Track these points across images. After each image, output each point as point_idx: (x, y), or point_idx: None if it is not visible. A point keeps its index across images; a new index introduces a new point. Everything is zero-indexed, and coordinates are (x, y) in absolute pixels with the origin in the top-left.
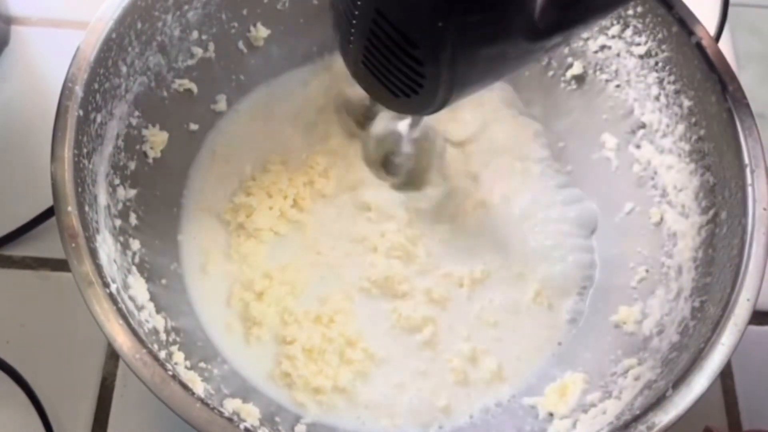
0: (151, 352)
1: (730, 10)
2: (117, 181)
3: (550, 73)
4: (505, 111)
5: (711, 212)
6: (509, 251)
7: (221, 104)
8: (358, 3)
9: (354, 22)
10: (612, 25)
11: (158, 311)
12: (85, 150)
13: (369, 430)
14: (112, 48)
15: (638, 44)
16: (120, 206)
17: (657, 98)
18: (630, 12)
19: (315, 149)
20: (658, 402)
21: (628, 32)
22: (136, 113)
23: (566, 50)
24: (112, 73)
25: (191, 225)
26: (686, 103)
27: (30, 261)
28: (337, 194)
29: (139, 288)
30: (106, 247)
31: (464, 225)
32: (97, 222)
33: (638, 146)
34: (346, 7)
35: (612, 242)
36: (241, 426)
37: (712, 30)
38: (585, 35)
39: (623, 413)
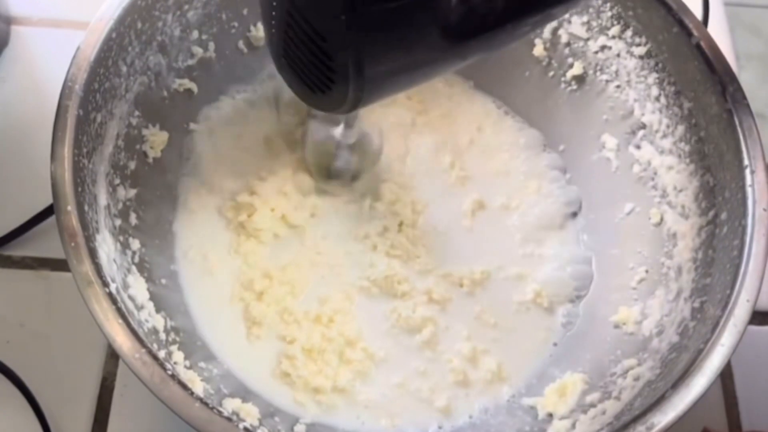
0: (150, 352)
1: (730, 9)
2: (117, 181)
3: (551, 73)
4: (503, 113)
5: (711, 213)
6: (509, 252)
7: (222, 104)
8: (272, 13)
9: (273, 13)
10: (612, 25)
11: (158, 311)
12: (85, 150)
13: (368, 430)
14: (112, 48)
15: (638, 45)
16: (120, 206)
17: (657, 99)
18: (630, 13)
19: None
20: (657, 402)
21: (629, 33)
22: (136, 113)
23: (566, 50)
24: (112, 73)
25: (191, 225)
26: (686, 103)
27: (30, 261)
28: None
29: (138, 287)
30: (106, 246)
31: (464, 226)
32: (96, 222)
33: (638, 147)
34: (267, 1)
35: (612, 243)
36: (241, 426)
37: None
38: (585, 35)
39: (623, 414)
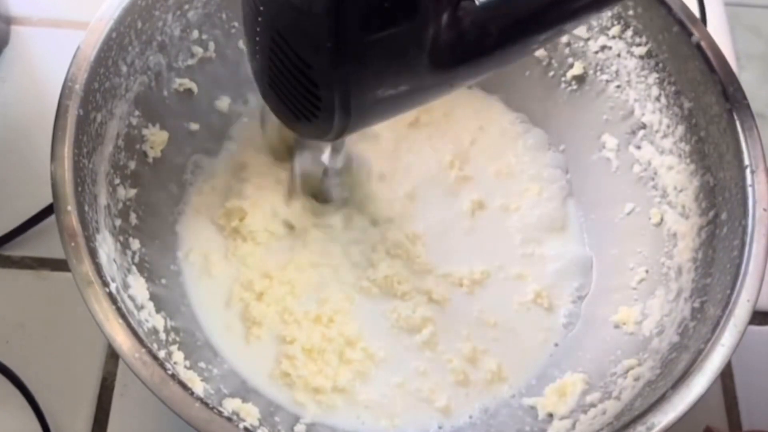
0: (150, 352)
1: (731, 9)
2: (117, 181)
3: (551, 73)
4: (504, 113)
5: (711, 213)
6: (509, 252)
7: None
8: (259, 20)
9: (257, 39)
10: (612, 25)
11: (158, 311)
12: (85, 149)
13: (368, 430)
14: (113, 47)
15: (639, 45)
16: (120, 206)
17: (657, 99)
18: (630, 12)
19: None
20: (657, 403)
21: (629, 33)
22: (137, 113)
23: (567, 50)
24: (112, 73)
25: (191, 225)
26: (686, 103)
27: (29, 261)
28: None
29: (138, 287)
30: (106, 246)
31: (464, 226)
32: (96, 221)
33: (638, 147)
34: (250, 25)
35: (612, 243)
36: (241, 426)
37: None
38: (585, 35)
39: (623, 414)
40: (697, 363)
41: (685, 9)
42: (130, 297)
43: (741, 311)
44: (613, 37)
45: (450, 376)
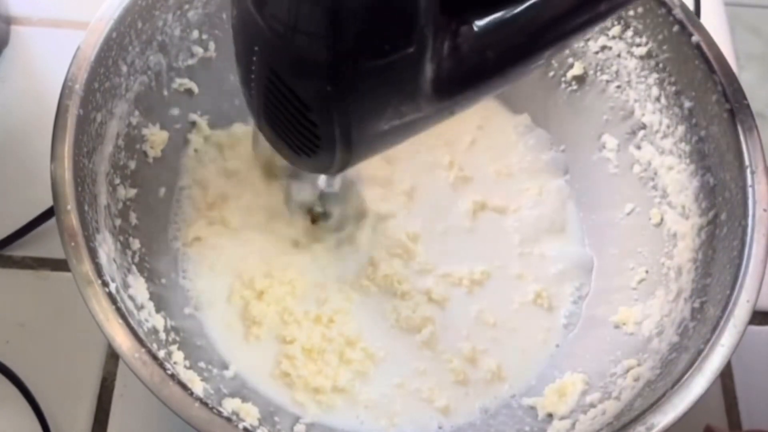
0: (150, 352)
1: (730, 9)
2: (117, 181)
3: (551, 73)
4: (504, 113)
5: (711, 213)
6: (509, 252)
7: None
8: (254, 59)
9: (252, 77)
10: (613, 25)
11: (158, 311)
12: (85, 149)
13: (368, 430)
14: (113, 47)
15: (639, 45)
16: (120, 206)
17: (657, 99)
18: (631, 13)
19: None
20: (657, 403)
21: (629, 33)
22: (137, 112)
23: (567, 51)
24: (112, 73)
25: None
26: (687, 103)
27: (30, 261)
28: None
29: (138, 287)
30: (106, 246)
31: (465, 226)
32: (96, 221)
33: (638, 147)
34: (244, 61)
35: (612, 243)
36: (240, 426)
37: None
38: (586, 36)
39: (623, 414)
40: (696, 363)
41: (685, 9)
42: (130, 297)
43: (741, 311)
44: (613, 38)
45: (450, 376)
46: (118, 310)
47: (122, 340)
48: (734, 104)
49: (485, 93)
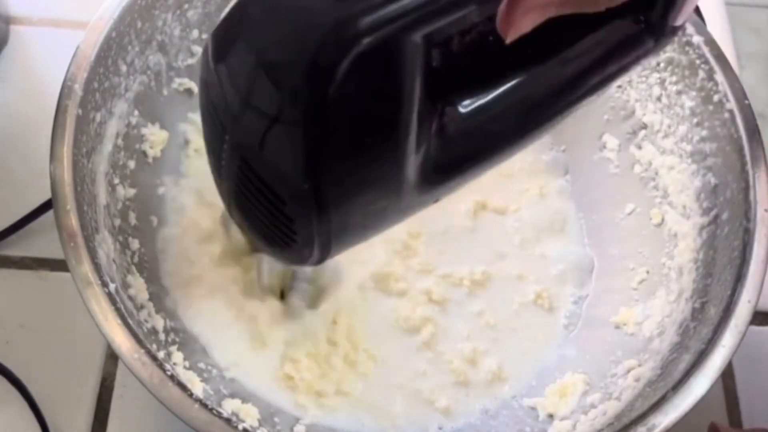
0: (149, 353)
1: (731, 9)
2: (116, 181)
3: None
4: None
5: (712, 213)
6: (510, 253)
7: None
8: (224, 146)
9: (222, 162)
10: None
11: (158, 311)
12: (84, 149)
13: (368, 430)
14: (112, 47)
15: None
16: (119, 205)
17: (658, 99)
18: None
19: None
20: (658, 403)
21: None
22: (136, 112)
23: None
24: (111, 72)
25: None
26: (688, 103)
27: (29, 261)
28: None
29: (138, 288)
30: (106, 246)
31: (466, 226)
32: (96, 221)
33: (639, 147)
34: (213, 143)
35: (613, 243)
36: (240, 427)
37: None
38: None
39: (623, 414)
40: (698, 364)
41: None
42: (130, 297)
43: (742, 312)
44: None
45: (450, 377)
46: (118, 310)
47: (122, 341)
48: (735, 104)
49: (472, 177)
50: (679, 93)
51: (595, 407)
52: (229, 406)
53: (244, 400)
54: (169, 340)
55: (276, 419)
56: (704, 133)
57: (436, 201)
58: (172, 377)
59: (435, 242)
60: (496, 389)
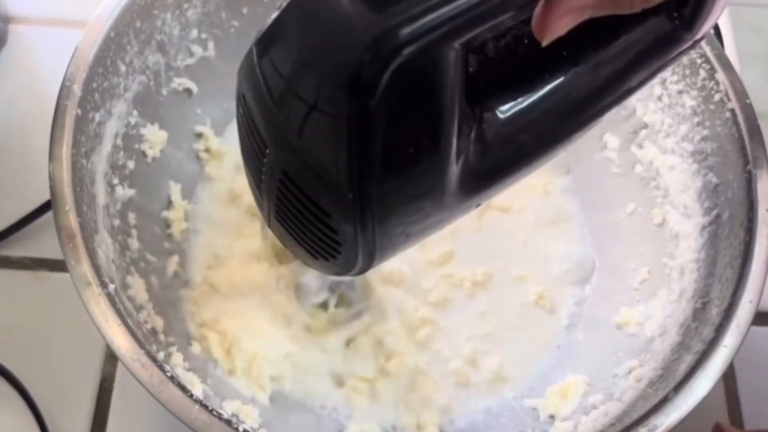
0: (149, 354)
1: (733, 9)
2: (115, 181)
3: None
4: None
5: (713, 213)
6: (511, 253)
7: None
8: (264, 160)
9: (262, 177)
10: None
11: (157, 312)
12: (83, 149)
13: (368, 430)
14: (111, 47)
15: None
16: (119, 206)
17: (660, 98)
18: None
19: None
20: (659, 404)
21: None
22: (135, 112)
23: None
24: (110, 72)
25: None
26: (689, 102)
27: (28, 261)
28: None
29: (138, 288)
30: (105, 247)
31: (471, 225)
32: (95, 222)
33: (641, 146)
34: (253, 157)
35: (614, 243)
36: (240, 428)
37: None
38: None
39: (624, 415)
40: (699, 364)
41: None
42: (129, 298)
43: (743, 312)
44: None
45: (451, 377)
46: (117, 311)
47: (121, 342)
48: (737, 104)
49: (512, 181)
50: (680, 92)
51: (597, 408)
52: (229, 407)
53: (244, 401)
54: (169, 341)
55: (276, 420)
56: (705, 132)
57: (477, 206)
58: (172, 378)
59: (435, 243)
60: (497, 390)
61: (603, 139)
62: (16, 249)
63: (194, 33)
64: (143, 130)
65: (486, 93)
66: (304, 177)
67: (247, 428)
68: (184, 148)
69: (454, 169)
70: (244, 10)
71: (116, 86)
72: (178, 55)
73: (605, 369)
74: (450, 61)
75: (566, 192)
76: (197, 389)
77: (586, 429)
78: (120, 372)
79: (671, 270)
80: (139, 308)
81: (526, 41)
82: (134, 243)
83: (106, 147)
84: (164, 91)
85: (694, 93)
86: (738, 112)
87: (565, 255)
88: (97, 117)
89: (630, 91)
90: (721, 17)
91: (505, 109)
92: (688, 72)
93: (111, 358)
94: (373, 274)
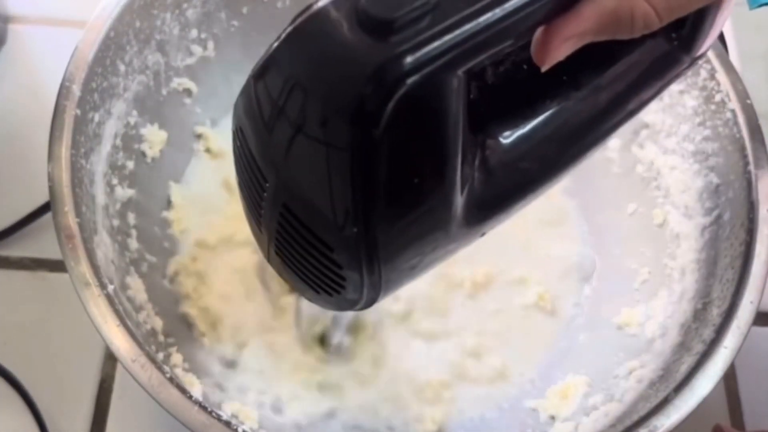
0: (148, 354)
1: (735, 9)
2: (115, 181)
3: None
4: None
5: (714, 213)
6: (511, 254)
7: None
8: (264, 194)
9: (262, 212)
10: None
11: (157, 312)
12: (82, 149)
13: (368, 429)
14: (111, 47)
15: None
16: (118, 206)
17: (661, 98)
18: None
19: None
20: (660, 405)
21: None
22: (135, 112)
23: None
24: (110, 72)
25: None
26: (690, 103)
27: (28, 262)
28: None
29: (137, 288)
30: (104, 247)
31: None
32: (94, 222)
33: (641, 147)
34: (251, 189)
35: (615, 243)
36: (240, 429)
37: None
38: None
39: (625, 416)
40: (699, 365)
41: None
42: (129, 298)
43: (744, 313)
44: None
45: (451, 377)
46: (117, 312)
47: (120, 343)
48: (738, 104)
49: (517, 209)
50: (681, 92)
51: (597, 409)
52: (228, 408)
53: (244, 402)
54: (169, 341)
55: (276, 420)
56: (706, 132)
57: (482, 235)
58: (171, 379)
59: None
60: (497, 390)
61: None
62: (15, 249)
63: (194, 33)
64: (143, 130)
65: (488, 119)
66: (306, 210)
67: (246, 429)
68: (184, 148)
69: (459, 199)
70: (244, 10)
71: (116, 86)
72: (177, 55)
73: (606, 370)
74: (453, 89)
75: (567, 192)
76: (196, 390)
77: (587, 430)
78: (119, 372)
79: (672, 270)
80: (139, 309)
81: (525, 66)
82: (134, 243)
83: (106, 147)
84: (164, 91)
85: (695, 93)
86: (739, 112)
87: (565, 255)
88: (97, 117)
89: (631, 114)
90: None
91: (508, 135)
92: (688, 72)
93: (110, 358)
94: None
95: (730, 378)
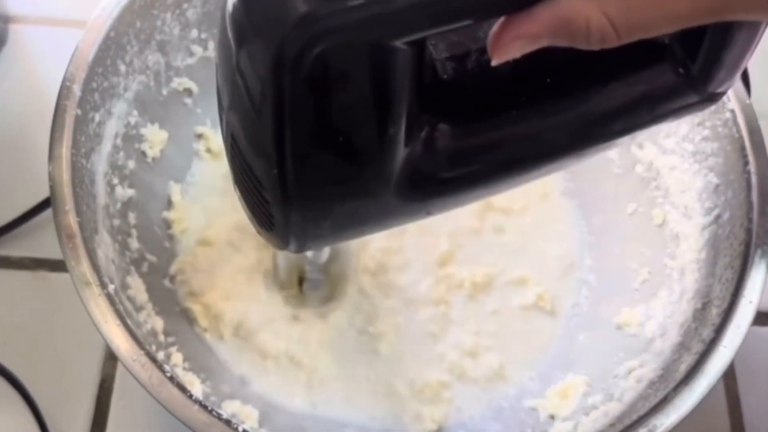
0: (149, 354)
1: None
2: (115, 181)
3: None
4: None
5: (714, 213)
6: (511, 254)
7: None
8: (222, 123)
9: (224, 135)
10: None
11: (157, 312)
12: (83, 149)
13: (367, 428)
14: (111, 47)
15: None
16: (119, 206)
17: None
18: None
19: None
20: (659, 405)
21: None
22: (135, 112)
23: None
24: (110, 72)
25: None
26: None
27: (28, 261)
28: None
29: (138, 288)
30: (105, 247)
31: (472, 227)
32: (95, 222)
33: (641, 147)
34: (220, 116)
35: (614, 244)
36: (240, 428)
37: None
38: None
39: (624, 416)
40: (699, 364)
41: None
42: (129, 298)
43: (743, 312)
44: None
45: (451, 377)
46: (117, 311)
47: (120, 342)
48: (738, 104)
49: (468, 198)
50: None
51: (597, 408)
52: (229, 408)
53: (244, 401)
54: (169, 341)
55: (276, 420)
56: (706, 132)
57: (428, 214)
58: (172, 379)
59: (443, 243)
60: (496, 390)
61: None
62: (15, 249)
63: (194, 33)
64: (143, 130)
65: (451, 103)
66: (243, 143)
67: (247, 428)
68: (185, 148)
69: (392, 169)
70: None
71: (116, 86)
72: (178, 55)
73: (605, 369)
74: (390, 57)
75: (566, 192)
76: (197, 389)
77: (586, 429)
78: (120, 372)
79: (672, 270)
80: (139, 308)
81: (511, 62)
82: (134, 243)
83: (106, 147)
84: (164, 91)
85: None
86: (738, 112)
87: (565, 255)
88: (97, 117)
89: (612, 136)
90: None
91: (466, 124)
92: (705, 107)
93: (111, 358)
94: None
95: (729, 378)
